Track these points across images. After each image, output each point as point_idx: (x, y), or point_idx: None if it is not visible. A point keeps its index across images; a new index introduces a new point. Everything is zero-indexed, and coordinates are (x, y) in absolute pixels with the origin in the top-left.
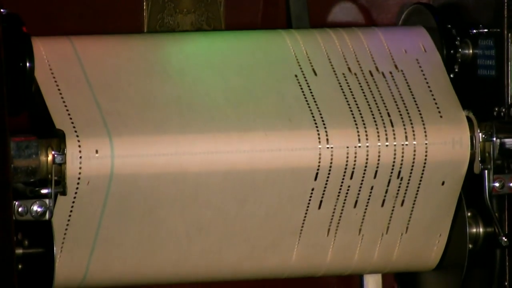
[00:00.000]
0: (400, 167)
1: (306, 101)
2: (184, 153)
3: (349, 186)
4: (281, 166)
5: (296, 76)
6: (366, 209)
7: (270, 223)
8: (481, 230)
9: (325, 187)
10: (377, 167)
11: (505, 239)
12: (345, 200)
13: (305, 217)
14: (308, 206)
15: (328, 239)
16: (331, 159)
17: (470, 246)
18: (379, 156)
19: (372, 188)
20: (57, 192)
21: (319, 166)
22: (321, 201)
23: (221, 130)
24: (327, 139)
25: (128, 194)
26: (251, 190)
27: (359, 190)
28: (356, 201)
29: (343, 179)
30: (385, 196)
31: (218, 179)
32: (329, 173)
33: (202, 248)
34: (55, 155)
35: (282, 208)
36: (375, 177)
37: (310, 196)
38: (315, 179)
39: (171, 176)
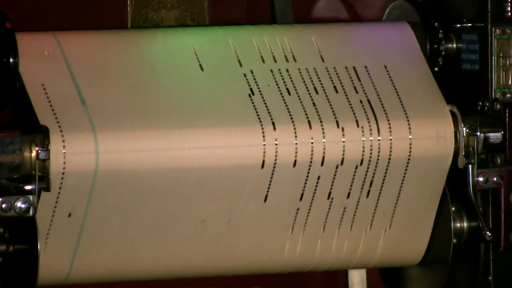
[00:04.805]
0: (386, 162)
1: (290, 95)
2: (168, 149)
3: (333, 181)
4: (286, 160)
5: (279, 71)
6: (347, 204)
7: (264, 218)
8: (465, 224)
9: (313, 183)
10: (361, 161)
11: (489, 234)
12: (331, 195)
13: (296, 212)
14: (299, 201)
15: (315, 235)
16: (323, 153)
17: (455, 240)
18: (363, 150)
19: (353, 182)
20: (41, 188)
21: (296, 159)
22: (302, 195)
23: (206, 126)
24: (312, 135)
25: (113, 189)
26: (228, 186)
27: (333, 185)
28: (333, 196)
29: (334, 174)
30: (369, 191)
31: (204, 174)
32: (309, 168)
33: (187, 244)
34: (39, 151)
35: (272, 204)
36: (355, 171)
37: (303, 190)
38: (307, 172)
39: (155, 172)
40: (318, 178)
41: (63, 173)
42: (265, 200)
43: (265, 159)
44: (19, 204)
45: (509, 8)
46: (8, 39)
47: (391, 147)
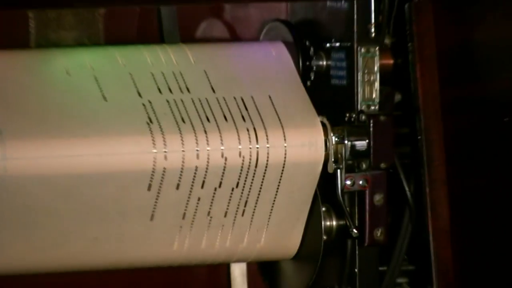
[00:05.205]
0: (264, 168)
1: (170, 107)
2: (63, 156)
3: (220, 185)
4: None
5: (174, 101)
6: (229, 205)
7: (151, 235)
8: (334, 223)
9: (191, 189)
10: (241, 168)
11: (355, 231)
12: (212, 200)
13: (179, 230)
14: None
15: (197, 248)
16: (204, 177)
17: (325, 237)
18: (243, 158)
19: (236, 186)
20: None
21: (183, 168)
22: (185, 214)
23: (94, 135)
24: (197, 163)
25: (17, 193)
26: (116, 207)
27: (212, 205)
28: (212, 216)
29: (213, 196)
30: (248, 194)
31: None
32: (191, 190)
33: (79, 236)
34: None
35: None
36: (232, 193)
37: (188, 197)
38: (189, 194)
39: (53, 176)
40: (199, 199)
41: None
42: (151, 219)
43: (153, 180)
44: None
45: (373, 29)
46: None
47: (268, 154)
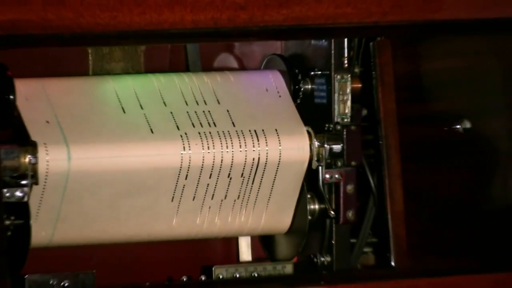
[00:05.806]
0: (264, 165)
1: (200, 138)
2: (115, 156)
3: (230, 180)
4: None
5: (204, 133)
6: (239, 193)
7: (175, 232)
8: (316, 206)
9: (205, 212)
10: (244, 165)
11: (333, 213)
12: (227, 190)
13: (195, 228)
14: (205, 194)
15: (212, 231)
16: (214, 191)
17: (310, 217)
18: (246, 158)
19: (237, 198)
20: (32, 183)
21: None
22: (198, 218)
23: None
24: (209, 181)
25: (78, 185)
26: (144, 185)
27: (219, 213)
28: (219, 220)
29: (223, 193)
30: (252, 185)
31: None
32: (203, 202)
33: (122, 220)
34: (31, 158)
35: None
36: (234, 203)
37: (199, 215)
38: (202, 204)
39: (105, 173)
40: (209, 208)
41: (46, 173)
42: (173, 223)
43: (175, 193)
44: (17, 193)
45: (346, 61)
46: (9, 83)
47: (267, 156)
